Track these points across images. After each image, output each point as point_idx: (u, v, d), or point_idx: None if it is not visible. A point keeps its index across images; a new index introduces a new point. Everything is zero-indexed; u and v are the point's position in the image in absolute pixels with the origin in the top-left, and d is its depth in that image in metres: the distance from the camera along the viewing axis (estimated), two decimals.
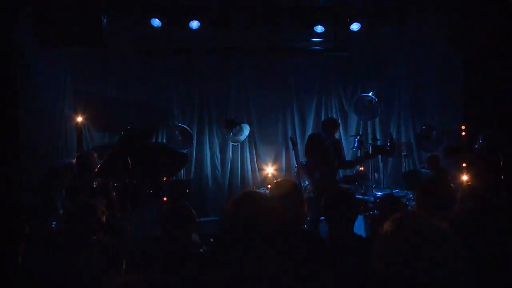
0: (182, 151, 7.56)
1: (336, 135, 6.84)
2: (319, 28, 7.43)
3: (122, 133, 6.99)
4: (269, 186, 7.67)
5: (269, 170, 8.14)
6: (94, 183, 5.68)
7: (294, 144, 6.85)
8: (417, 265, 1.42)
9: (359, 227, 5.98)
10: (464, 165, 7.07)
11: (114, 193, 5.80)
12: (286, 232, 2.86)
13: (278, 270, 1.52)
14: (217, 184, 8.40)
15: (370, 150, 7.24)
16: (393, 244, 1.49)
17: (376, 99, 7.54)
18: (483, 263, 1.81)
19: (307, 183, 6.57)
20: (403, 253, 1.45)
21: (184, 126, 7.80)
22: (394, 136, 7.92)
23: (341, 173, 8.38)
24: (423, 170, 7.10)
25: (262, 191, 7.49)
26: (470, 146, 7.02)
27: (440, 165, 6.96)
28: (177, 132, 7.70)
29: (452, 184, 3.45)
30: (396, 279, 1.43)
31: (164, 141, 8.01)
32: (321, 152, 6.45)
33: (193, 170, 8.34)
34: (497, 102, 6.80)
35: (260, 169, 8.45)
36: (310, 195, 6.33)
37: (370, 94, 7.69)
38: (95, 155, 5.89)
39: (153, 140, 7.94)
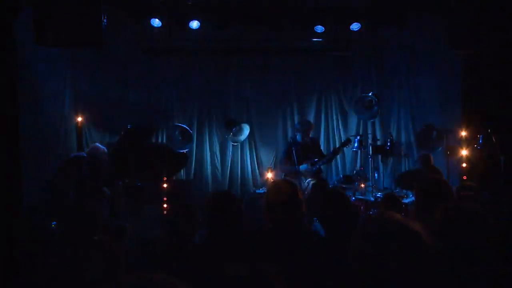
0: (182, 151, 7.57)
1: (311, 134, 7.14)
2: (319, 28, 7.43)
3: (122, 133, 7.01)
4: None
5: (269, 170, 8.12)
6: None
7: None
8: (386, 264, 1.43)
9: None
10: (463, 165, 7.08)
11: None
12: (284, 231, 2.87)
13: (278, 269, 1.52)
14: (217, 184, 8.40)
15: (370, 150, 7.26)
16: (366, 242, 1.50)
17: (376, 99, 7.54)
18: (458, 262, 1.81)
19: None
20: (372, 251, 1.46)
21: (184, 126, 7.80)
22: (394, 136, 7.92)
23: (340, 173, 8.39)
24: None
25: (262, 191, 7.51)
26: (470, 147, 7.02)
27: (432, 163, 6.98)
28: (177, 132, 7.71)
29: (448, 183, 3.45)
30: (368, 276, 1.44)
31: (164, 141, 8.00)
32: (298, 153, 6.74)
33: (193, 170, 8.33)
34: (497, 102, 6.80)
35: (260, 169, 8.45)
36: (305, 195, 6.35)
37: (370, 94, 7.69)
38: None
39: (153, 140, 7.94)
